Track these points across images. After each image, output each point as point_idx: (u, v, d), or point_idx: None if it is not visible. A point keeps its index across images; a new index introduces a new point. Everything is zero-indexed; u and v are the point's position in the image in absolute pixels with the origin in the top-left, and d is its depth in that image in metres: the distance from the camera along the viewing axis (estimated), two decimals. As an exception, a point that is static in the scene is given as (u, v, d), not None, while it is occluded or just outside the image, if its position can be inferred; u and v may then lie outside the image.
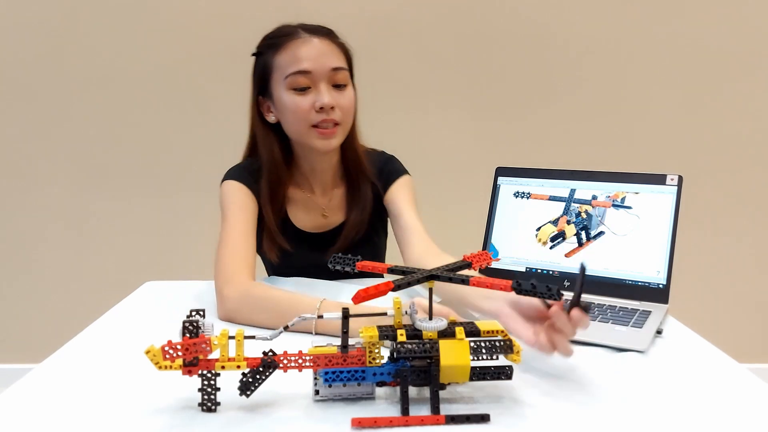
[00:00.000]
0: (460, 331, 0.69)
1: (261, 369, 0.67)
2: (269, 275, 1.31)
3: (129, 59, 2.09)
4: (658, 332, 0.93)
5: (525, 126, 2.16)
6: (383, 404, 0.70)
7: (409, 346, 0.67)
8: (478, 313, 0.89)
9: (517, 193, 1.17)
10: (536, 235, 1.13)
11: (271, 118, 1.17)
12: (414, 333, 0.69)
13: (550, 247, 1.11)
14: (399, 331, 0.68)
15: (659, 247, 1.03)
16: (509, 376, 0.70)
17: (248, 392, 0.67)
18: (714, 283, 2.24)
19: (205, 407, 0.68)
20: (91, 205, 2.17)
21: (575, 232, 1.10)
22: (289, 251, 1.20)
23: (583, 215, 1.11)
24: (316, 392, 0.70)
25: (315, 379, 0.70)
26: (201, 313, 0.68)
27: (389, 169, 1.26)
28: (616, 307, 0.99)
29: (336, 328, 0.73)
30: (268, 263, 1.30)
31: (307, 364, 0.68)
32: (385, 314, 0.71)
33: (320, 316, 0.70)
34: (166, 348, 0.65)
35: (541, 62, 2.13)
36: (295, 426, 0.66)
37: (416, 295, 0.92)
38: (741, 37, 2.11)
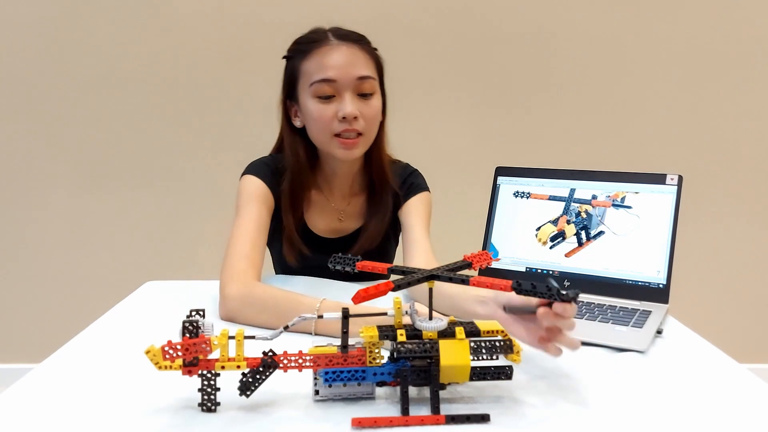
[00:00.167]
0: (460, 331, 0.69)
1: (261, 369, 0.67)
2: (276, 273, 1.31)
3: (130, 60, 2.09)
4: (658, 332, 0.93)
5: (525, 126, 2.16)
6: (383, 404, 0.70)
7: (409, 346, 0.67)
8: (474, 319, 0.88)
9: (517, 192, 1.17)
10: (536, 235, 1.13)
11: (298, 123, 1.18)
12: (414, 333, 0.69)
13: (550, 247, 1.11)
14: (399, 331, 0.68)
15: (659, 247, 1.03)
16: (509, 376, 0.70)
17: (248, 392, 0.67)
18: (714, 283, 2.24)
19: (205, 407, 0.68)
20: (92, 205, 2.17)
21: (575, 231, 1.10)
22: (307, 255, 1.20)
23: (583, 215, 1.11)
24: (316, 392, 0.70)
25: (315, 379, 0.70)
26: (201, 313, 0.68)
27: (411, 182, 1.26)
28: (616, 307, 0.99)
29: (336, 329, 0.73)
30: (279, 262, 1.30)
31: (307, 364, 0.68)
32: (385, 314, 0.71)
33: (320, 316, 0.70)
34: (166, 348, 0.65)
35: (541, 62, 2.13)
36: (295, 426, 0.66)
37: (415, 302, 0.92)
38: (741, 37, 2.11)
